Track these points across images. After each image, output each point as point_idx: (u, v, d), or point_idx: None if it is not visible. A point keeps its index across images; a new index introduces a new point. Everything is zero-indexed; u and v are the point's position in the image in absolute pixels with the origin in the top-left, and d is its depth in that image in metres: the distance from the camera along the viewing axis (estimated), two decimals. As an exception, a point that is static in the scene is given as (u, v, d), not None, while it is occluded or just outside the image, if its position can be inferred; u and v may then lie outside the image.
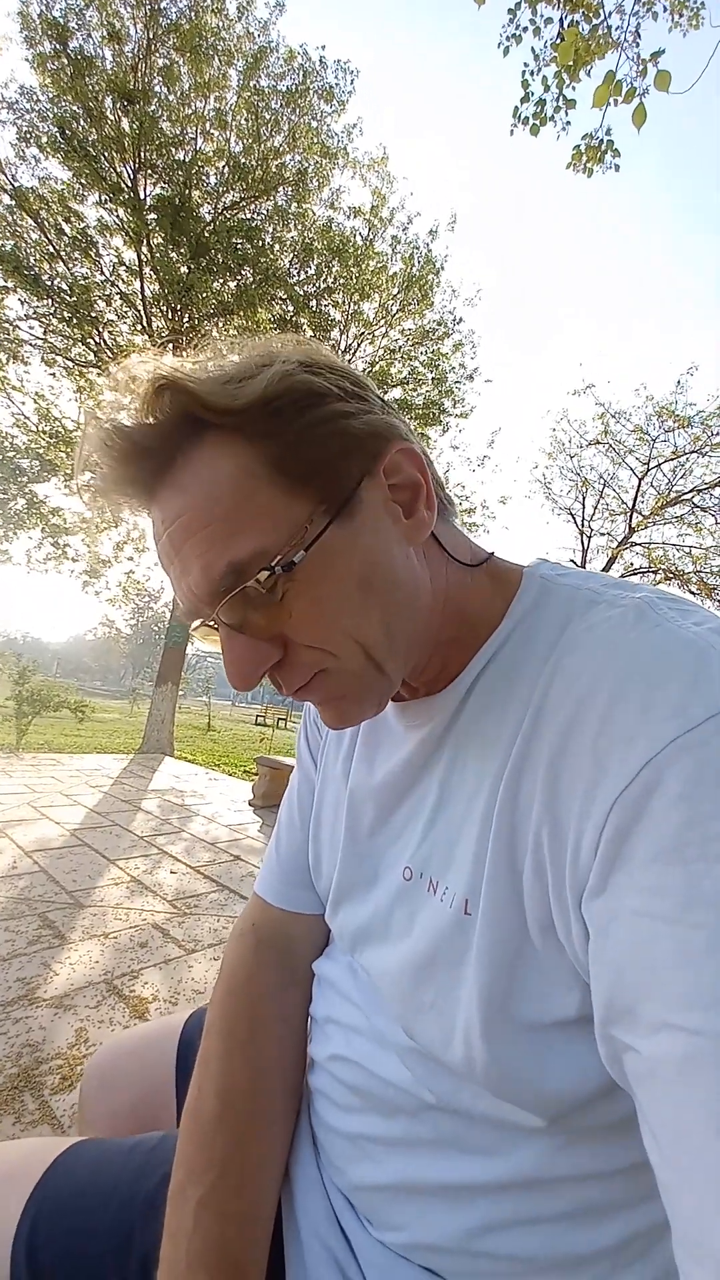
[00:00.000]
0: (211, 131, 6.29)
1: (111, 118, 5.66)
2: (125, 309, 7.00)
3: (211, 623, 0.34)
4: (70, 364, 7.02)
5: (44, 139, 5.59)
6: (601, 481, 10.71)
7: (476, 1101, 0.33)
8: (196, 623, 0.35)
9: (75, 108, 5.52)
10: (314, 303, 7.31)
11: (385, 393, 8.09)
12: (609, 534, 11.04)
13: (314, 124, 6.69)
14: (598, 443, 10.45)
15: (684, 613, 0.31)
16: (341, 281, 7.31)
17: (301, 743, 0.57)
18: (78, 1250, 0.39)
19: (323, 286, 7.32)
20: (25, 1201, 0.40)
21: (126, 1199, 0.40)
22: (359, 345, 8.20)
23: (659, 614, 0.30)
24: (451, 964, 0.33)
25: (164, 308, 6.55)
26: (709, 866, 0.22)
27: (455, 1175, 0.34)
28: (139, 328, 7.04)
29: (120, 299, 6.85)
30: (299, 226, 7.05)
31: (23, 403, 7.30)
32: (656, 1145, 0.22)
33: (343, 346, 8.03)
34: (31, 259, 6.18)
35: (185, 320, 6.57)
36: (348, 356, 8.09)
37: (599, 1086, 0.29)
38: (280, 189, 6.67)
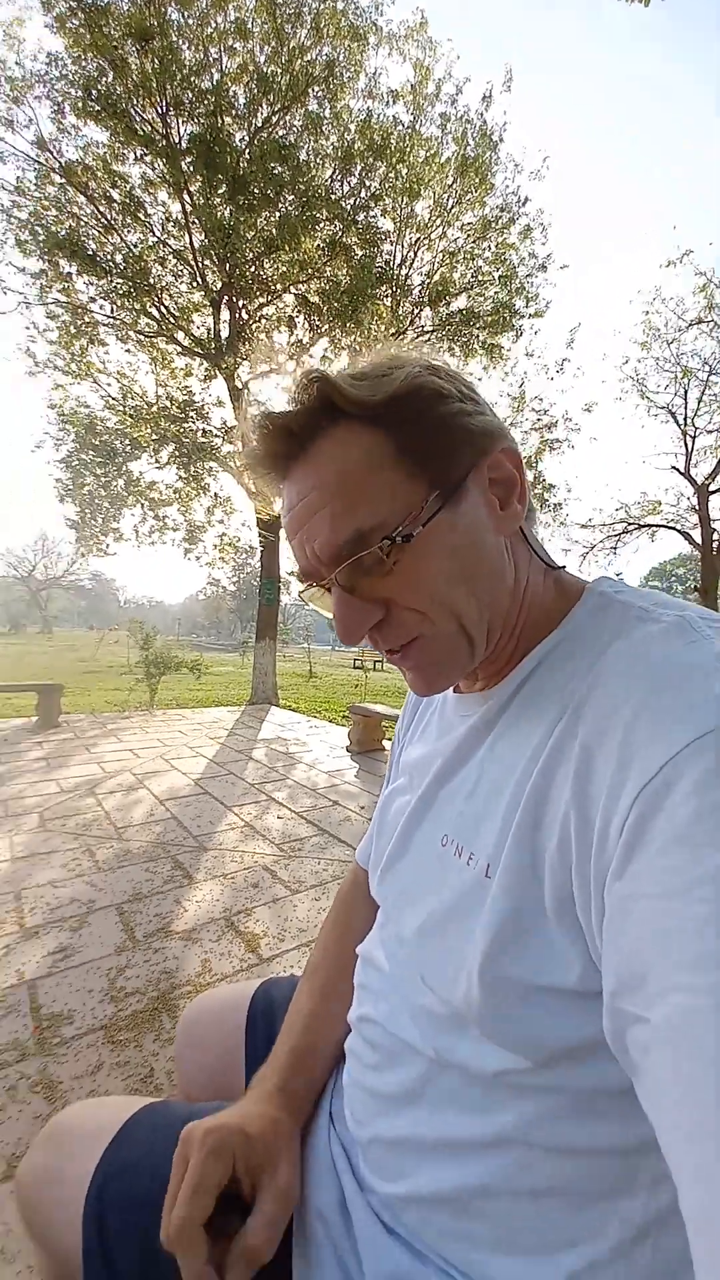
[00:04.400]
0: (234, 46, 5.78)
1: (134, 63, 5.40)
2: (180, 267, 6.96)
3: (324, 585, 0.40)
4: (140, 337, 7.22)
5: (77, 104, 5.52)
6: (707, 369, 9.09)
7: (470, 1059, 0.37)
8: (306, 586, 0.42)
9: (98, 63, 5.35)
10: (361, 216, 6.69)
11: (449, 303, 7.38)
12: (719, 430, 9.46)
13: (338, 4, 5.87)
14: (700, 321, 8.80)
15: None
16: (388, 184, 6.59)
17: (395, 733, 0.66)
18: (134, 1218, 0.44)
19: (368, 196, 6.66)
20: (98, 1161, 0.47)
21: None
22: (415, 255, 7.45)
23: (696, 631, 0.33)
24: (467, 917, 0.37)
25: (213, 258, 6.41)
26: (715, 849, 0.24)
27: (451, 1131, 0.38)
28: (194, 284, 7.00)
29: (174, 258, 6.81)
30: (336, 129, 6.39)
31: (108, 384, 7.72)
32: (660, 1109, 0.23)
33: (397, 260, 7.34)
34: (88, 237, 6.29)
35: (232, 268, 6.38)
36: (404, 271, 7.41)
37: (583, 1040, 0.32)
38: (311, 91, 6.03)
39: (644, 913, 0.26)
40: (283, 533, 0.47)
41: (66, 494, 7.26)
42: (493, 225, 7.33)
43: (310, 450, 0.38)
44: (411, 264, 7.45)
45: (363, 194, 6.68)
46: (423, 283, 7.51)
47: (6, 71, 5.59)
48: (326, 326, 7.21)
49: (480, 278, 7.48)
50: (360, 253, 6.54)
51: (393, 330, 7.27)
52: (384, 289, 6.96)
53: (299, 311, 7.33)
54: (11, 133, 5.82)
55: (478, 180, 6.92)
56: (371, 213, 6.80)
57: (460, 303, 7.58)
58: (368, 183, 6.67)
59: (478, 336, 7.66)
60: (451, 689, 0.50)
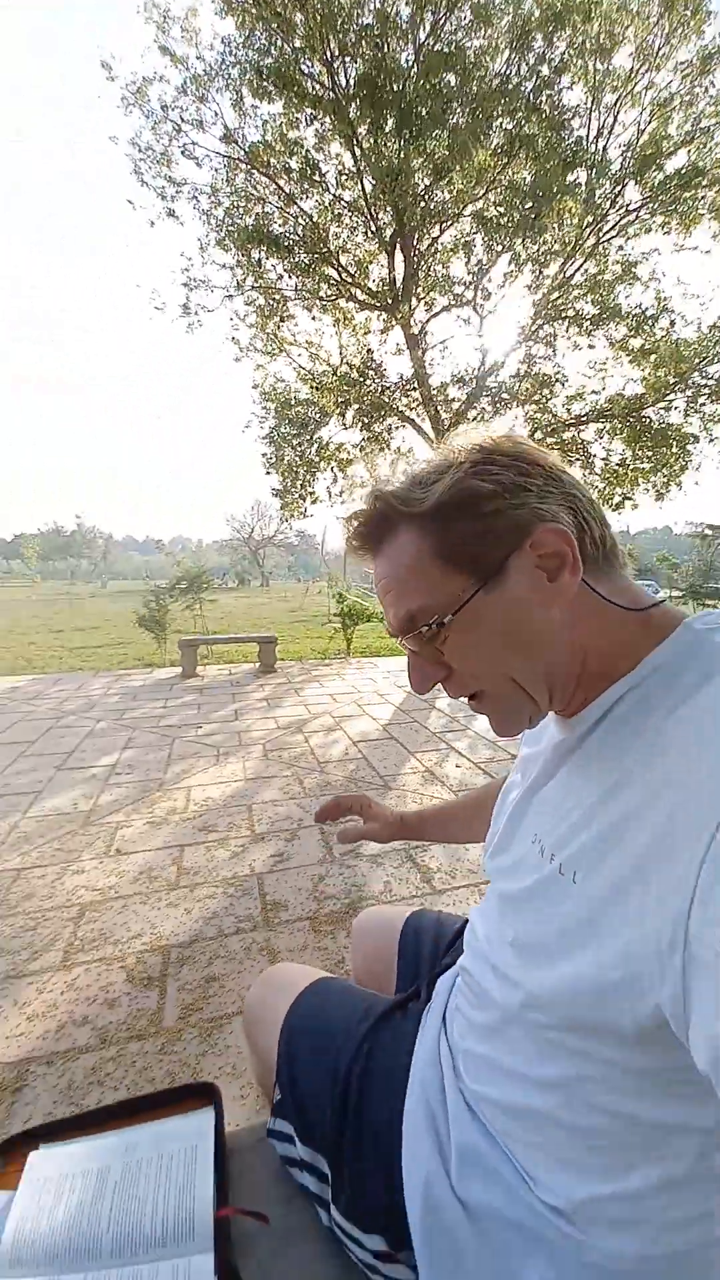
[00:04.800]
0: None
1: (299, 21, 5.38)
2: (354, 219, 6.96)
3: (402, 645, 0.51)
4: (322, 302, 7.52)
5: (253, 84, 5.76)
6: None
7: (525, 1013, 0.47)
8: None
9: (266, 35, 5.45)
10: (544, 96, 5.72)
11: (661, 166, 5.95)
12: None
13: None
14: None
15: None
16: (575, 49, 5.46)
17: None
18: (307, 1041, 0.64)
19: (552, 70, 5.63)
20: (292, 1002, 0.72)
21: (342, 1041, 0.63)
22: (614, 119, 6.11)
23: None
24: (546, 911, 0.45)
25: (383, 202, 6.24)
26: None
27: (517, 1065, 0.49)
28: (368, 232, 6.94)
29: (348, 211, 6.83)
30: (510, 6, 5.47)
31: (299, 354, 8.31)
32: None
33: (592, 132, 6.13)
34: (272, 218, 6.68)
35: (401, 210, 6.12)
36: (600, 143, 6.17)
37: (628, 1028, 0.36)
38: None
39: None
40: None
41: (270, 467, 8.16)
42: (716, 57, 5.61)
43: (379, 548, 0.49)
44: (609, 133, 6.18)
45: (544, 70, 5.69)
46: (624, 153, 6.19)
47: (190, 70, 6.06)
48: (506, 242, 6.52)
49: (703, 125, 5.85)
50: (543, 142, 5.66)
51: (589, 219, 6.24)
52: (575, 175, 5.95)
53: (477, 230, 6.76)
54: (202, 132, 6.38)
55: (690, 10, 5.31)
56: (558, 86, 5.78)
57: (678, 160, 6.09)
58: (550, 55, 5.64)
59: (704, 199, 6.11)
60: None
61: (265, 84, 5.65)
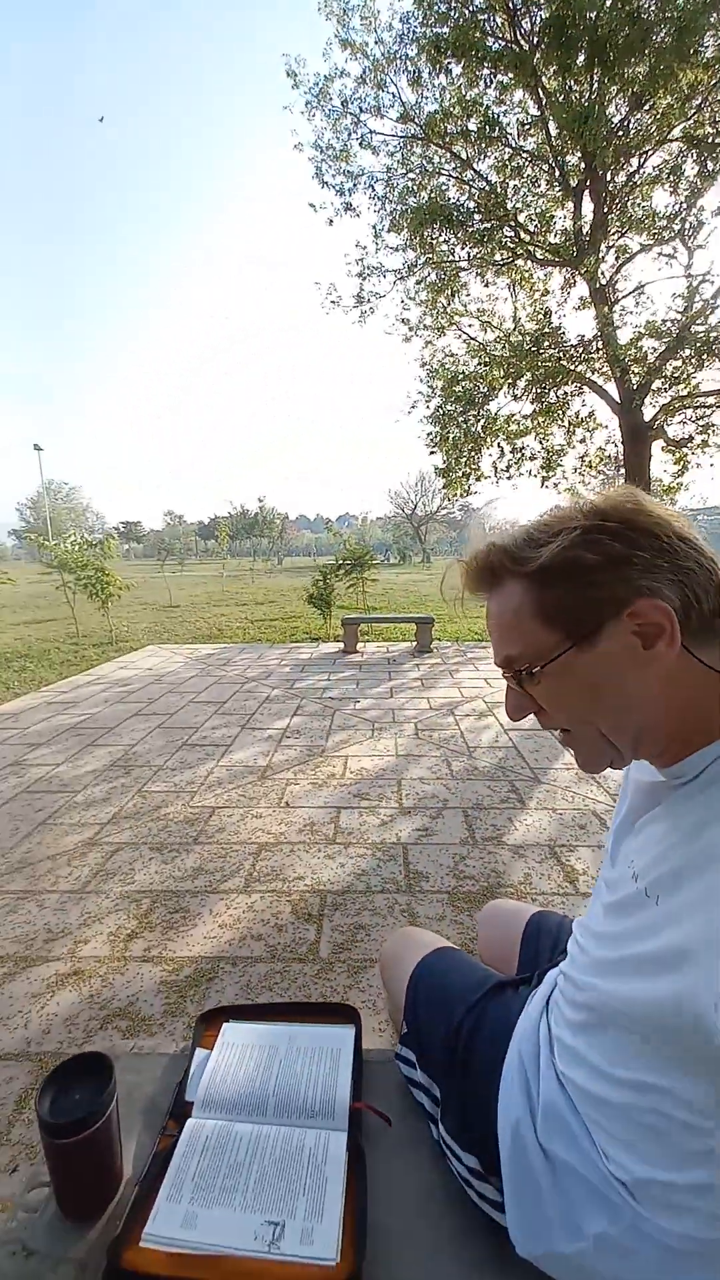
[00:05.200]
0: None
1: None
2: (537, 171, 6.46)
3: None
4: (498, 266, 7.19)
5: (433, 59, 5.63)
6: None
7: (608, 1017, 0.52)
8: None
9: (444, 5, 5.25)
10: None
11: None
12: None
13: None
14: None
15: None
16: None
17: None
18: (427, 994, 0.76)
19: None
20: (420, 959, 0.86)
21: (458, 999, 0.74)
22: None
23: None
24: (631, 918, 0.52)
25: (571, 145, 5.67)
26: None
27: (594, 1060, 0.54)
28: (552, 181, 6.39)
29: (530, 162, 6.36)
30: None
31: (469, 325, 8.10)
32: None
33: None
34: (447, 189, 6.53)
35: (592, 152, 5.48)
36: None
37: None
38: None
39: None
40: None
41: (434, 446, 8.16)
42: None
43: (492, 591, 0.55)
44: None
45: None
46: None
47: (370, 58, 6.12)
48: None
49: None
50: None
51: None
52: None
53: (685, 153, 5.79)
54: (379, 119, 6.45)
55: None
56: None
57: None
58: None
59: None
60: None
61: (443, 55, 5.49)
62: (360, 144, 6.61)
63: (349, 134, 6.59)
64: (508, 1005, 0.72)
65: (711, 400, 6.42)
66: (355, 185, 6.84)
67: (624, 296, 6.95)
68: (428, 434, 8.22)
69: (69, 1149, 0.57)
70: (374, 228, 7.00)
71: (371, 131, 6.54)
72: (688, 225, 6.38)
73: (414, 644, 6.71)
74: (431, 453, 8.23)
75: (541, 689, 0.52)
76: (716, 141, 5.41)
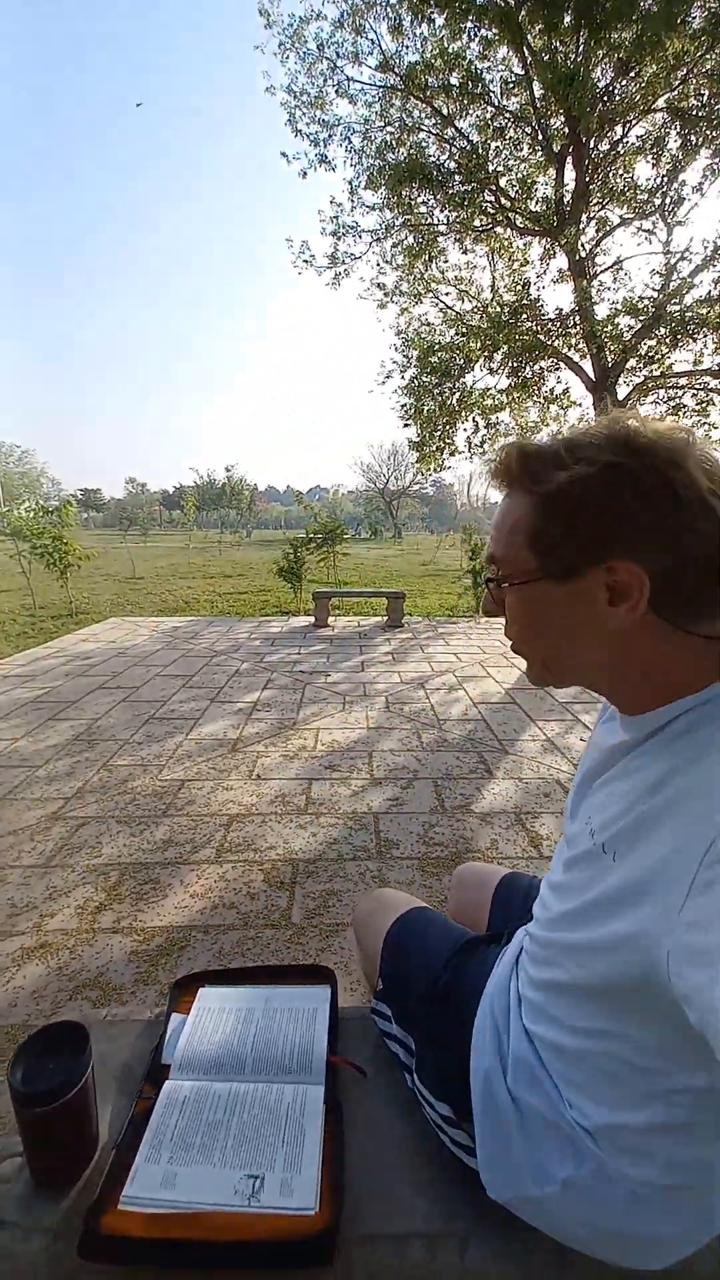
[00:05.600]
0: None
1: None
2: (520, 132, 6.27)
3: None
4: (477, 232, 7.01)
5: (412, 3, 5.33)
6: None
7: (567, 966, 0.54)
8: None
9: None
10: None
11: None
12: None
13: None
14: None
15: None
16: None
17: None
18: (404, 973, 0.77)
19: None
20: (394, 919, 0.88)
21: (434, 955, 0.77)
22: None
23: None
24: (590, 872, 0.53)
25: (555, 108, 5.52)
26: None
27: (555, 1012, 0.56)
28: (535, 145, 6.23)
29: (513, 123, 6.17)
30: None
31: (446, 293, 7.92)
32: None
33: None
34: (427, 149, 6.28)
35: (576, 118, 5.35)
36: None
37: (622, 980, 0.45)
38: None
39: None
40: None
41: (409, 418, 8.04)
42: None
43: (504, 492, 0.54)
44: None
45: None
46: None
47: (349, 1, 5.77)
48: (709, 134, 5.44)
49: None
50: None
51: None
52: None
53: (669, 125, 5.72)
54: (357, 66, 6.11)
55: None
56: None
57: None
58: None
59: None
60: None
61: (426, 5, 5.21)
62: (337, 91, 6.28)
63: (325, 79, 6.24)
64: (481, 960, 0.74)
65: (683, 381, 6.50)
66: (331, 135, 6.50)
67: (603, 271, 6.91)
68: (402, 406, 8.08)
69: (46, 1117, 0.56)
70: (350, 183, 6.70)
71: (349, 79, 6.21)
72: (668, 200, 6.35)
73: (385, 618, 6.71)
74: (406, 425, 8.11)
75: (509, 602, 0.54)
76: (700, 114, 5.36)
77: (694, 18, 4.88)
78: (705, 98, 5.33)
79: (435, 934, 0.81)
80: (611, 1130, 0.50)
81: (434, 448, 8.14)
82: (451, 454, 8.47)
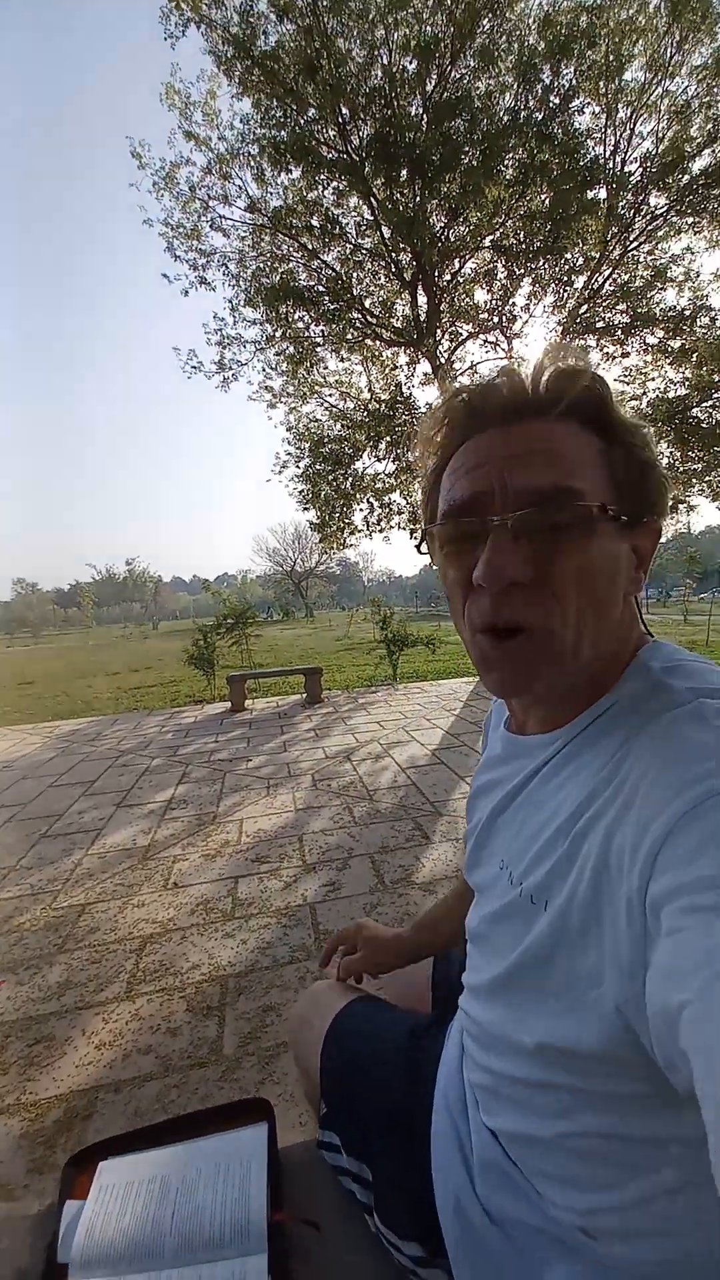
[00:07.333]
0: (395, 18, 5.68)
1: (310, 93, 5.82)
2: (375, 265, 7.31)
3: (487, 524, 0.41)
4: (350, 343, 7.86)
5: (272, 157, 6.23)
6: None
7: (514, 1044, 0.45)
8: (445, 523, 0.45)
9: (280, 112, 5.93)
10: (556, 123, 5.89)
11: (688, 165, 5.98)
12: None
13: None
14: None
15: None
16: (584, 72, 5.64)
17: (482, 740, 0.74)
18: (347, 1050, 0.68)
19: (562, 97, 5.82)
20: (333, 1018, 0.75)
21: (374, 1060, 0.66)
22: (631, 132, 6.18)
23: (705, 718, 0.37)
24: (512, 932, 0.46)
25: (401, 247, 6.55)
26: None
27: (511, 1094, 0.48)
28: (389, 275, 7.27)
29: (369, 259, 7.19)
30: (513, 46, 5.74)
31: (330, 394, 8.66)
32: (711, 1070, 0.24)
33: (609, 148, 6.21)
34: (298, 273, 7.10)
35: (419, 252, 6.40)
36: (618, 157, 6.25)
37: (591, 1045, 0.38)
38: (479, 19, 5.55)
39: (681, 914, 0.30)
40: (452, 467, 0.46)
41: (307, 503, 8.43)
42: (730, 56, 5.63)
43: (555, 417, 0.41)
44: (628, 145, 6.23)
45: (554, 99, 5.88)
46: (645, 163, 6.24)
47: (215, 150, 6.62)
48: (528, 266, 6.68)
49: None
50: (557, 167, 5.82)
51: (613, 230, 6.31)
52: (594, 192, 6.08)
53: (496, 260, 6.96)
54: (227, 206, 6.92)
55: (699, 15, 5.37)
56: (568, 114, 5.96)
57: (701, 162, 6.09)
58: (558, 84, 5.84)
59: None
60: (508, 729, 0.56)
61: (283, 156, 6.10)
62: (211, 226, 7.00)
63: (199, 216, 6.95)
64: (430, 1053, 0.64)
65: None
66: (209, 262, 7.16)
67: (461, 374, 7.96)
68: (300, 491, 8.49)
69: None
70: (229, 301, 7.34)
71: (221, 216, 6.97)
72: (504, 318, 7.57)
73: (304, 695, 6.60)
74: (306, 509, 8.48)
75: (572, 549, 0.40)
76: (519, 250, 6.57)
77: (506, 168, 6.09)
78: (521, 236, 6.55)
79: (378, 1031, 0.70)
80: (598, 1215, 0.42)
81: (335, 528, 8.53)
82: (352, 533, 8.92)
